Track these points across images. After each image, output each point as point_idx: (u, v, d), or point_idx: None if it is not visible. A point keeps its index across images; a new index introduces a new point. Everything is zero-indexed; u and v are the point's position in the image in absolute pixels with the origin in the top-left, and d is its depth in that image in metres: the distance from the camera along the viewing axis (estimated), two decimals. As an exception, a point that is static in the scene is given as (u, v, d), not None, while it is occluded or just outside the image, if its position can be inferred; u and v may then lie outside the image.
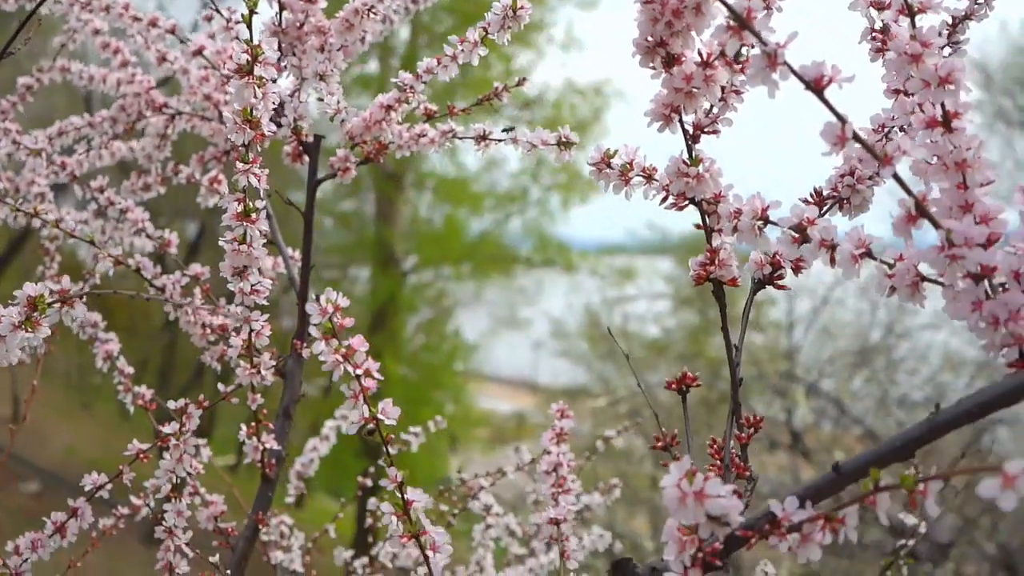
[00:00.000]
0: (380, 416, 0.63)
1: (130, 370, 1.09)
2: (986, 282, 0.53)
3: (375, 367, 0.63)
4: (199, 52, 1.05)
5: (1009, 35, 9.24)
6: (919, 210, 0.52)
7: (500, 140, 0.95)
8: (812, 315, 7.10)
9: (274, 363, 0.91)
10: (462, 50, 0.90)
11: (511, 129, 0.91)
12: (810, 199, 0.69)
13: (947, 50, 0.72)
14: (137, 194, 1.21)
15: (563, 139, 0.85)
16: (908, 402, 7.07)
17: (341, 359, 0.62)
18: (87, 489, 0.92)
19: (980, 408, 0.49)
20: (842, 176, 0.68)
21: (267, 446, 0.97)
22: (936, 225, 0.51)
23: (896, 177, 0.52)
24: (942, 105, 0.54)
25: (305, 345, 0.96)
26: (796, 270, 0.67)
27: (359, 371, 0.62)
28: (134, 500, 1.13)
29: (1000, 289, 0.53)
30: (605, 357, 9.99)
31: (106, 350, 1.10)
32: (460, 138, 0.97)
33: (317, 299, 0.61)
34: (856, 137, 0.51)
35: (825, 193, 0.68)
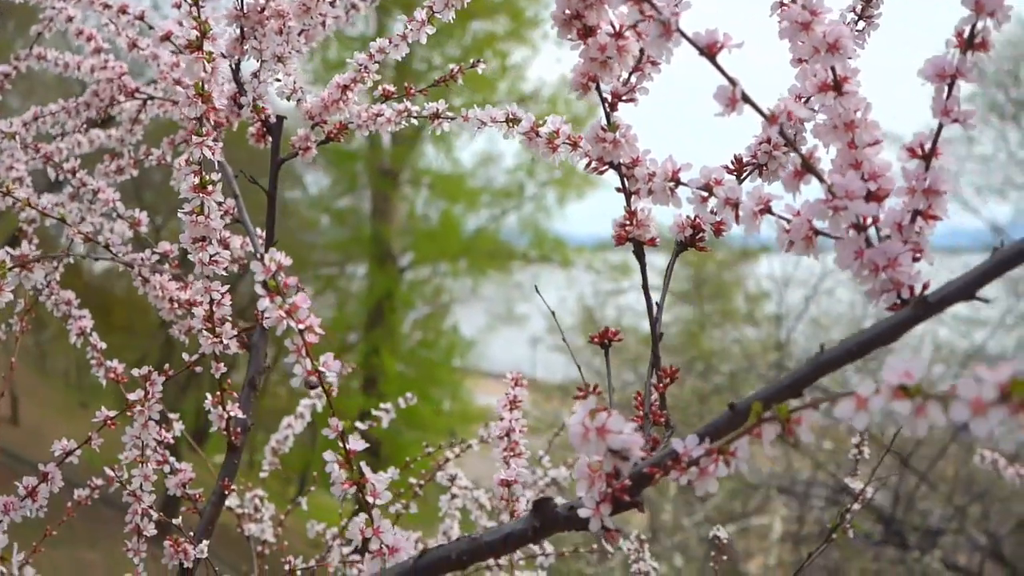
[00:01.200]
0: (322, 369, 0.67)
1: (102, 345, 1.13)
2: (873, 232, 0.57)
3: (316, 323, 0.67)
4: (167, 37, 1.09)
5: (1002, 28, 9.24)
6: (805, 166, 0.56)
7: (451, 118, 0.99)
8: (804, 305, 7.15)
9: (236, 332, 0.95)
10: (411, 30, 0.94)
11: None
12: (730, 166, 0.72)
13: (861, 23, 0.76)
14: (111, 177, 1.24)
15: (511, 116, 0.89)
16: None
17: (284, 315, 0.66)
18: (56, 455, 0.95)
19: (860, 347, 0.53)
20: (760, 143, 0.72)
21: (232, 415, 1.01)
22: (820, 179, 0.55)
23: (783, 135, 0.56)
24: (832, 69, 0.58)
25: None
26: (717, 232, 0.71)
27: (302, 326, 0.66)
28: (108, 471, 1.16)
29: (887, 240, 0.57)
30: (599, 351, 10.00)
31: (79, 326, 1.14)
32: (415, 117, 1.01)
33: (261, 258, 0.65)
34: (745, 98, 0.55)
35: (744, 160, 0.72)
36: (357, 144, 12.36)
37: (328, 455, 0.69)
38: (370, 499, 0.69)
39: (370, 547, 0.68)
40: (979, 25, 0.55)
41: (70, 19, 1.24)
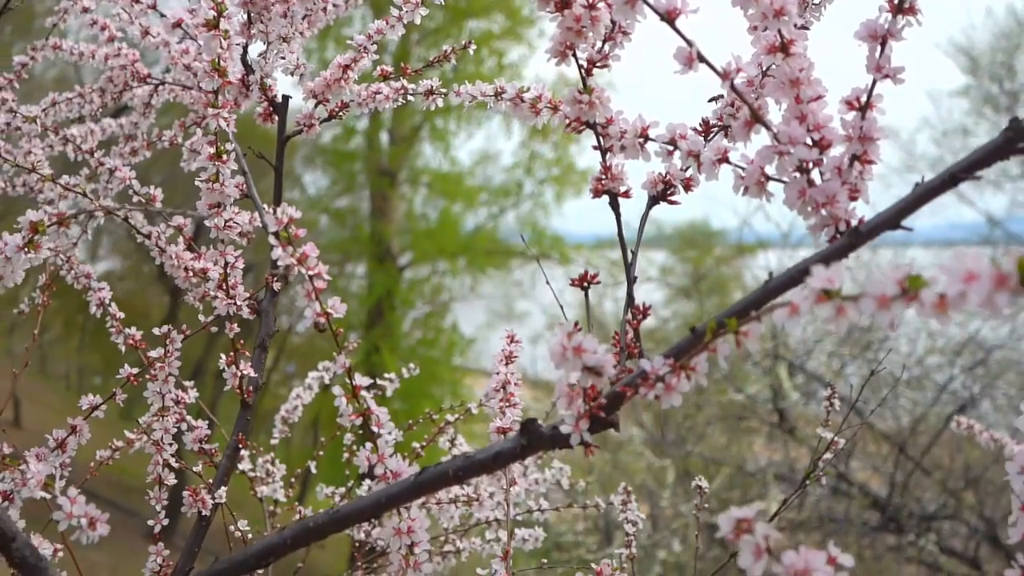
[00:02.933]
0: (330, 311, 0.75)
1: (121, 315, 1.20)
2: (817, 175, 0.65)
3: (324, 270, 0.74)
4: (178, 25, 1.16)
5: (995, 21, 9.35)
6: (754, 116, 0.63)
7: (444, 94, 1.07)
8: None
9: (248, 295, 1.02)
10: (406, 11, 1.02)
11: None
12: (698, 128, 0.80)
13: (817, -2, 0.83)
14: (126, 158, 1.32)
15: (499, 90, 0.97)
16: (892, 379, 7.22)
17: (296, 262, 0.74)
18: (84, 408, 1.03)
19: (802, 272, 0.61)
20: (725, 107, 0.79)
21: (245, 373, 1.08)
22: (767, 127, 0.63)
23: (734, 90, 0.63)
24: (779, 33, 0.65)
25: (277, 281, 1.07)
26: (687, 188, 0.79)
27: (312, 273, 0.74)
28: (128, 434, 1.23)
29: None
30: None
31: (99, 297, 1.22)
32: (411, 94, 1.09)
33: (274, 211, 0.73)
34: (701, 58, 0.62)
35: (711, 122, 0.80)
36: (355, 144, 12.45)
37: (337, 389, 0.77)
38: (375, 429, 0.77)
39: (375, 472, 0.75)
40: (907, -9, 0.63)
41: (85, 10, 1.31)
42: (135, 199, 1.24)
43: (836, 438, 1.22)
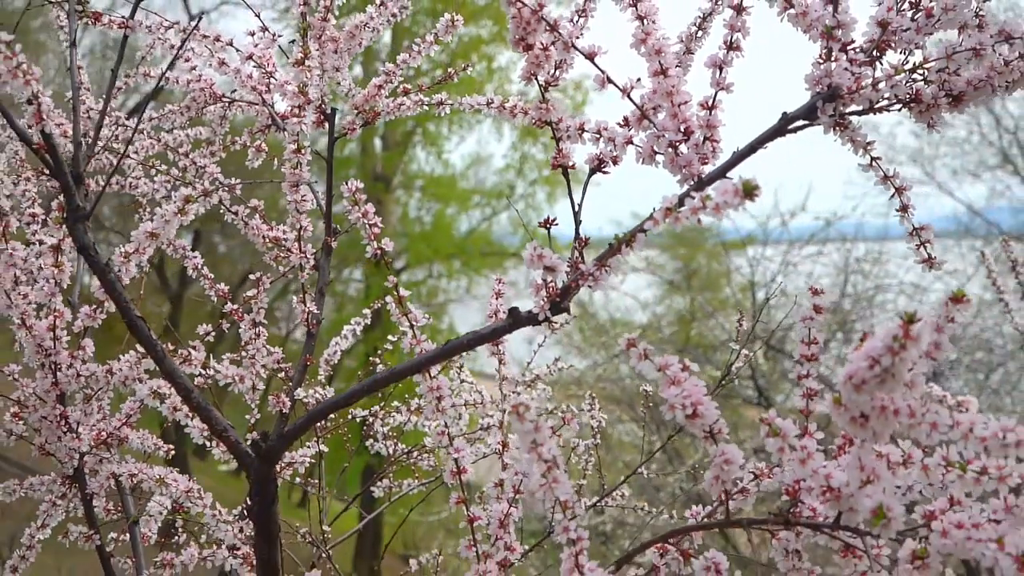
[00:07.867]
0: (383, 247, 1.16)
1: (211, 275, 1.61)
2: (685, 149, 1.06)
3: (379, 220, 1.16)
4: (250, 57, 1.57)
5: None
6: (643, 115, 1.05)
7: (452, 104, 1.48)
8: (775, 280, 7.66)
9: (315, 251, 1.44)
10: (424, 46, 1.44)
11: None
12: (622, 122, 1.21)
13: (700, 32, 1.25)
14: (207, 158, 1.73)
15: (489, 100, 1.38)
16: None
17: (362, 216, 1.15)
18: (201, 333, 1.44)
19: (709, 180, 1.02)
20: (634, 110, 1.21)
21: (311, 310, 1.49)
22: (652, 122, 1.04)
23: (630, 99, 1.05)
24: (659, 63, 1.07)
25: (334, 240, 1.48)
26: (614, 162, 1.20)
27: (371, 222, 1.15)
28: (216, 365, 1.63)
29: (692, 154, 1.06)
30: (598, 345, 10.63)
31: (193, 264, 1.63)
32: (427, 105, 1.51)
33: (346, 182, 1.14)
34: (609, 80, 1.04)
35: (629, 119, 1.21)
36: (349, 151, 12.84)
37: (388, 298, 1.18)
38: (413, 323, 1.18)
39: (414, 350, 1.17)
40: (734, 36, 1.04)
41: (172, 47, 1.72)
42: (220, 190, 1.65)
43: (744, 351, 1.63)
